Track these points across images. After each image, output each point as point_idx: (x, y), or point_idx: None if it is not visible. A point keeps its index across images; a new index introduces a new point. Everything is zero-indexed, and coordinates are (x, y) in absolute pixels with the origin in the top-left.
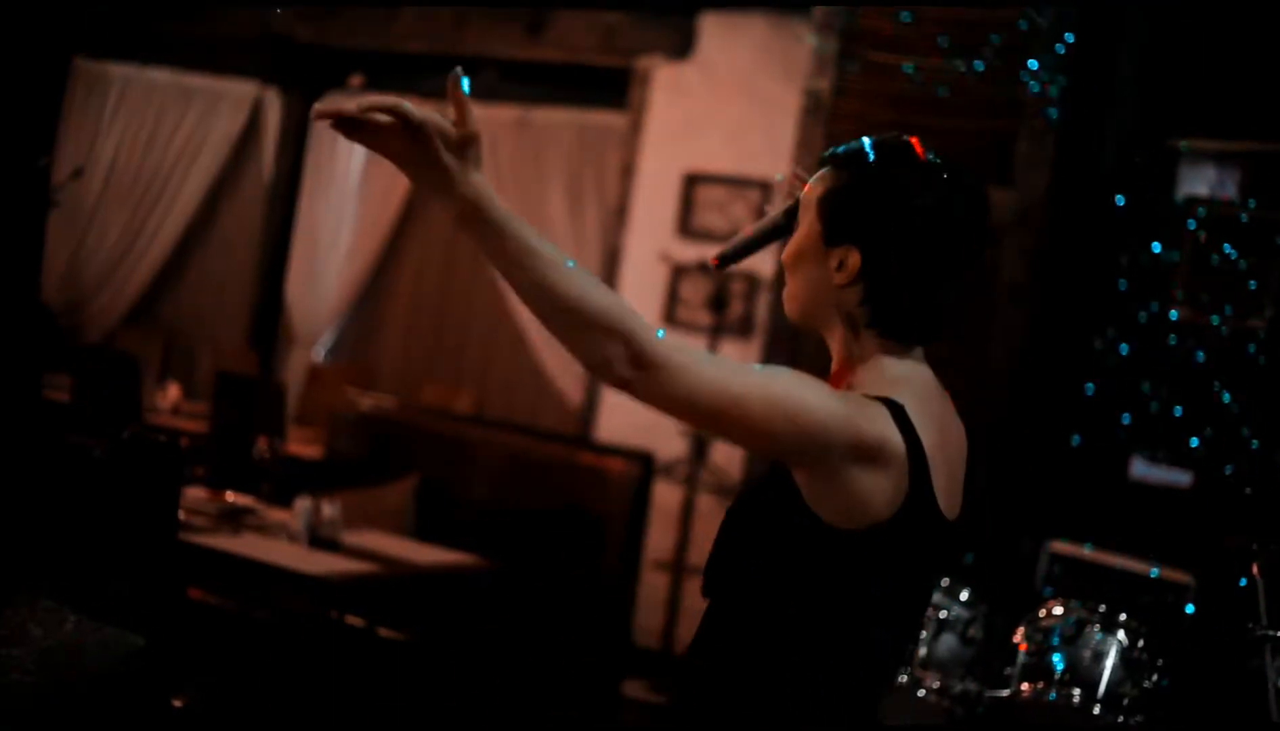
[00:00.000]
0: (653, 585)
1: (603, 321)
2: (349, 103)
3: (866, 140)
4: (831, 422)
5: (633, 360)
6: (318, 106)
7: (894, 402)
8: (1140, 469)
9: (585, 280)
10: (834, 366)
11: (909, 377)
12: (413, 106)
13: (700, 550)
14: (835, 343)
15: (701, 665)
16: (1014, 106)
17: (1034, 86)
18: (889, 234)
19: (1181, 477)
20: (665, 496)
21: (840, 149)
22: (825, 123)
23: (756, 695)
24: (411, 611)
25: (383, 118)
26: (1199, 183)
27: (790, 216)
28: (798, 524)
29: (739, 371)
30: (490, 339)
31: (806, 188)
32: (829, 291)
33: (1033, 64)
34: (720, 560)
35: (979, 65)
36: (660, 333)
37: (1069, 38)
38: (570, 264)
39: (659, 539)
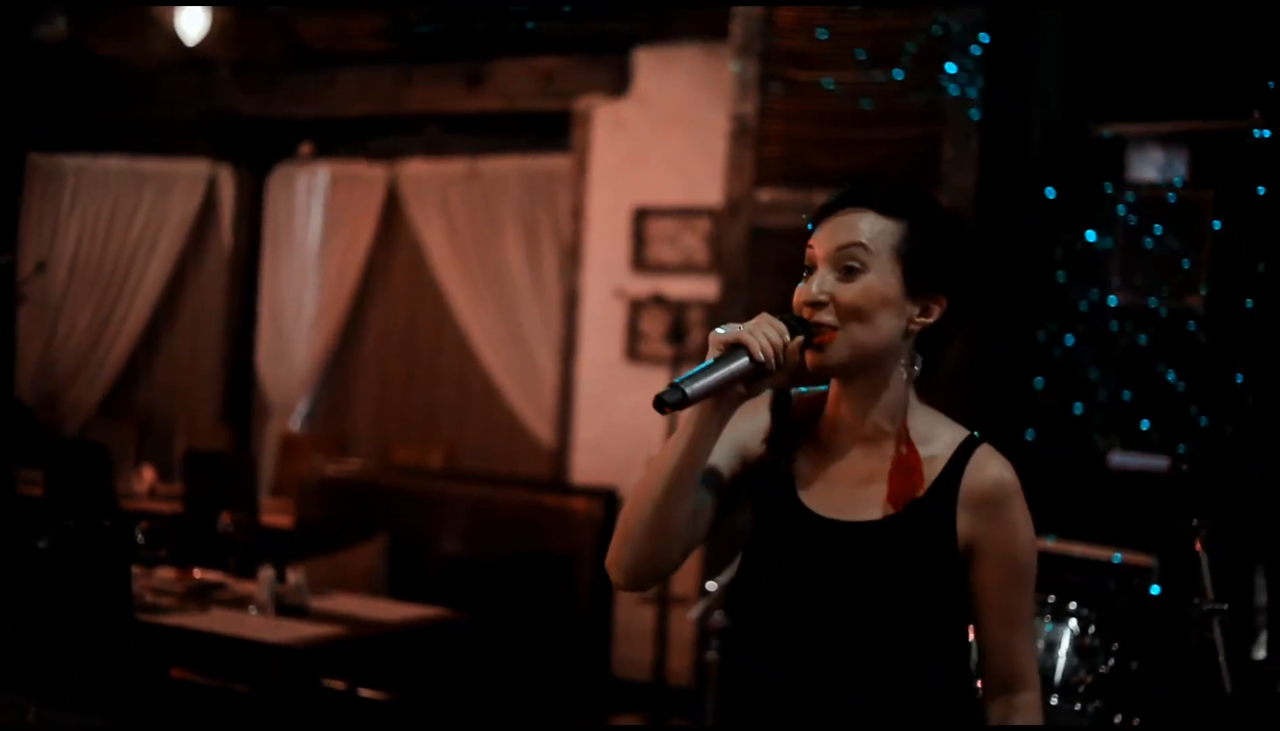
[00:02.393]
0: (640, 618)
1: None
2: None
3: (906, 187)
4: None
5: None
6: None
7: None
8: (1110, 458)
9: None
10: (850, 410)
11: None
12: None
13: (681, 581)
14: (879, 389)
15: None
16: (936, 111)
17: (953, 90)
18: (968, 283)
19: (1148, 462)
20: None
21: (875, 192)
22: (754, 146)
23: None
24: (387, 670)
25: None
26: (1147, 167)
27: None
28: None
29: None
30: (461, 391)
31: (847, 231)
32: (899, 341)
33: (951, 67)
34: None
35: (898, 74)
36: None
37: (984, 38)
38: None
39: None
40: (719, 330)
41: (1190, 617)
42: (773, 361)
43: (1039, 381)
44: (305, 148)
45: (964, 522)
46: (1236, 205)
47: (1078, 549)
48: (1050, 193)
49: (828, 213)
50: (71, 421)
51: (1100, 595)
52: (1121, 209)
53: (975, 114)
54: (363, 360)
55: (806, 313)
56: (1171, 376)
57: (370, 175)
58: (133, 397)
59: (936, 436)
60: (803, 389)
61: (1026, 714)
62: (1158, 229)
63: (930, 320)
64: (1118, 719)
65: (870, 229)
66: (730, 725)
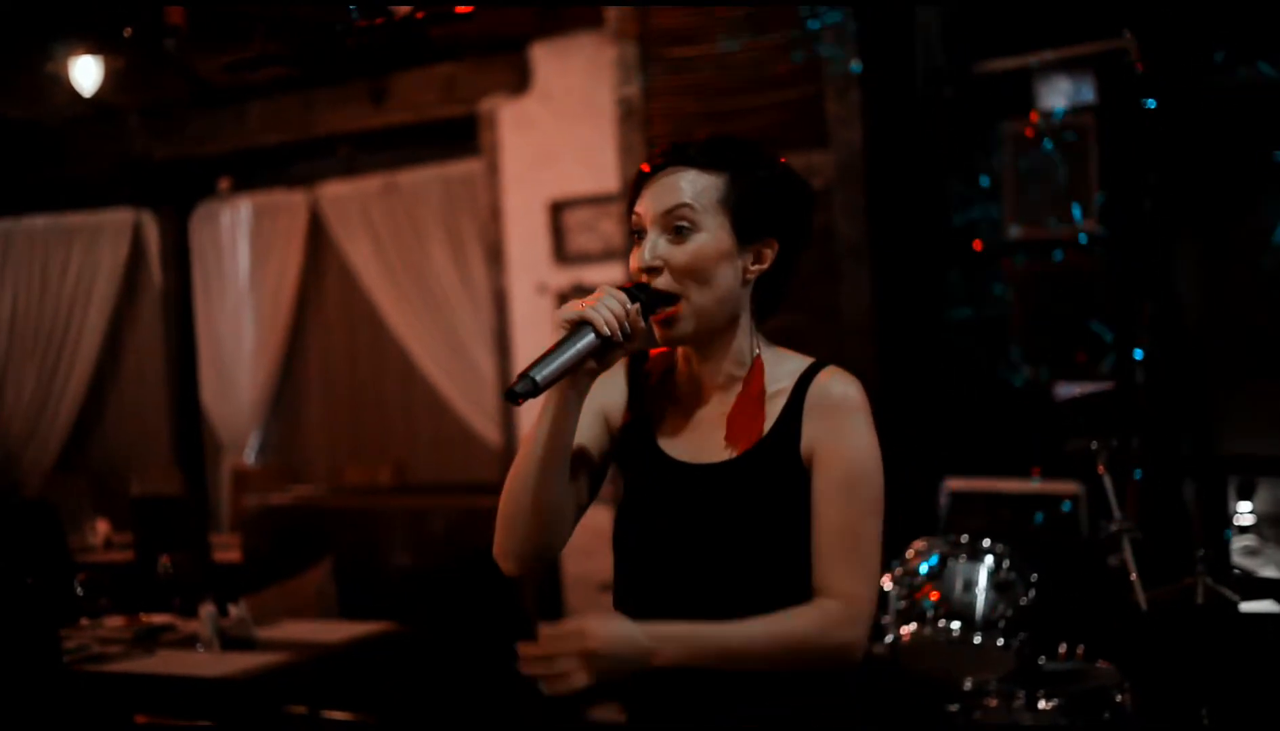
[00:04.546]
0: (595, 606)
1: None
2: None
3: (722, 139)
4: None
5: None
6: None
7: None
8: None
9: None
10: (701, 364)
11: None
12: None
13: None
14: (725, 341)
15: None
16: (815, 70)
17: (830, 47)
18: (800, 223)
19: (1069, 389)
20: (594, 518)
21: (693, 150)
22: (641, 127)
23: None
24: (342, 690)
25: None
26: (1037, 98)
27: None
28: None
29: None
30: (407, 403)
31: (671, 193)
32: (738, 290)
33: (814, 25)
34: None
35: (783, 33)
36: None
37: None
38: None
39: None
40: (562, 309)
41: (1103, 541)
42: (618, 333)
43: (959, 314)
44: (223, 183)
45: (806, 433)
46: (1122, 124)
47: (1006, 485)
48: (939, 137)
49: (648, 176)
50: (30, 483)
51: (1027, 528)
52: (1006, 145)
53: (855, 67)
54: (307, 386)
55: (643, 279)
56: (1078, 303)
57: (291, 202)
58: (86, 451)
59: (782, 372)
60: (661, 350)
61: (810, 608)
62: (1044, 159)
63: (765, 266)
64: (1062, 648)
65: (693, 187)
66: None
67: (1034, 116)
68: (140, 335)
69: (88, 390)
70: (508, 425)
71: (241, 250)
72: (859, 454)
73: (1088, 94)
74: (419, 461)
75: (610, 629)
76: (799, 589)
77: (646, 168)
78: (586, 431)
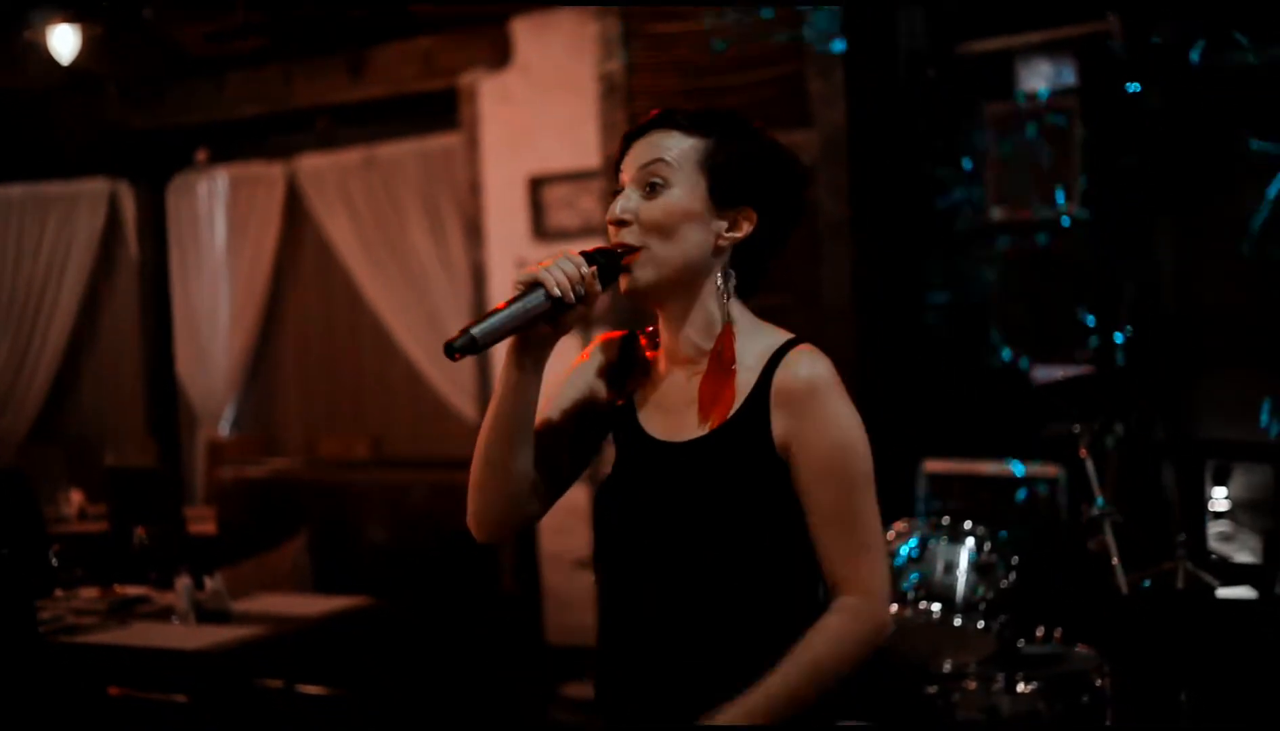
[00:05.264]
0: (570, 582)
1: None
2: None
3: (712, 110)
4: None
5: None
6: None
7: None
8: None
9: None
10: (669, 333)
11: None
12: None
13: None
14: (691, 308)
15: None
16: (798, 49)
17: (814, 26)
18: (783, 196)
19: (1050, 372)
20: (570, 496)
21: (680, 115)
22: (624, 103)
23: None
24: (317, 664)
25: None
26: (1019, 80)
27: (577, 297)
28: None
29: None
30: (384, 377)
31: (650, 150)
32: (708, 254)
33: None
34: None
35: (767, 12)
36: None
37: None
38: None
39: (578, 539)
40: (518, 273)
41: (1083, 525)
42: (570, 294)
43: (938, 297)
44: (201, 154)
45: (778, 424)
46: (1104, 107)
47: (979, 467)
48: (921, 118)
49: (635, 136)
50: (4, 453)
51: (1006, 511)
52: (990, 127)
53: (838, 47)
54: (283, 359)
55: (612, 232)
56: (1060, 286)
57: (269, 174)
58: (60, 421)
59: (754, 347)
60: (650, 329)
61: (836, 616)
62: (1028, 142)
63: (740, 235)
64: (1039, 631)
65: (674, 145)
66: (600, 656)
67: (1017, 99)
68: (116, 306)
69: (62, 360)
70: (484, 400)
71: (218, 222)
72: (838, 435)
73: (1070, 77)
74: (395, 435)
75: None
76: (769, 570)
77: (634, 128)
78: (568, 408)
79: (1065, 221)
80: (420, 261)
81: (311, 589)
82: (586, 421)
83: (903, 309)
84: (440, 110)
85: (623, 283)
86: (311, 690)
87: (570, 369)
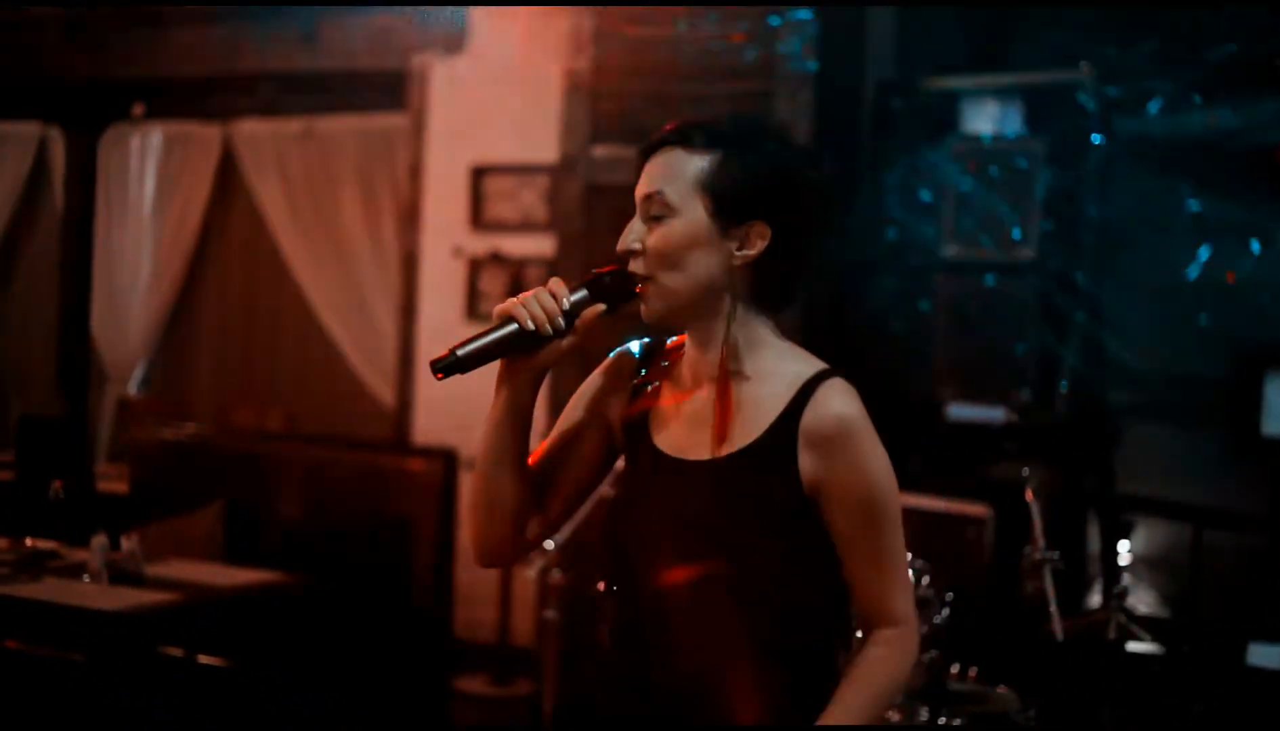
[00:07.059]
0: (482, 579)
1: None
2: None
3: (726, 118)
4: None
5: None
6: None
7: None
8: (947, 410)
9: None
10: (694, 350)
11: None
12: None
13: None
14: (714, 328)
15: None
16: (769, 66)
17: (786, 46)
18: (796, 208)
19: (983, 414)
20: None
21: (704, 128)
22: (589, 102)
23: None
24: (224, 636)
25: None
26: (981, 120)
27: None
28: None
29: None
30: (301, 353)
31: (650, 181)
32: (723, 275)
33: (776, 20)
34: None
35: (736, 27)
36: None
37: None
38: None
39: None
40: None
41: (1022, 567)
42: (545, 328)
43: (891, 329)
44: (138, 109)
45: (806, 462)
46: (1067, 155)
47: (913, 500)
48: (883, 148)
49: (645, 154)
50: None
51: (935, 547)
52: (953, 163)
53: (809, 67)
54: (201, 323)
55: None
56: (1004, 328)
57: (205, 135)
58: None
59: (783, 372)
60: (672, 342)
61: (881, 648)
62: (989, 182)
63: (754, 252)
64: (954, 668)
65: (672, 172)
66: (609, 671)
67: (983, 137)
68: (34, 253)
69: None
70: (404, 387)
71: (149, 178)
72: (871, 477)
73: (1038, 122)
74: (308, 411)
75: None
76: (779, 592)
77: (647, 144)
78: (576, 419)
79: (1018, 264)
80: (351, 240)
81: (223, 558)
82: (599, 436)
83: (849, 336)
84: (388, 89)
85: (643, 311)
86: (210, 661)
87: (586, 383)
